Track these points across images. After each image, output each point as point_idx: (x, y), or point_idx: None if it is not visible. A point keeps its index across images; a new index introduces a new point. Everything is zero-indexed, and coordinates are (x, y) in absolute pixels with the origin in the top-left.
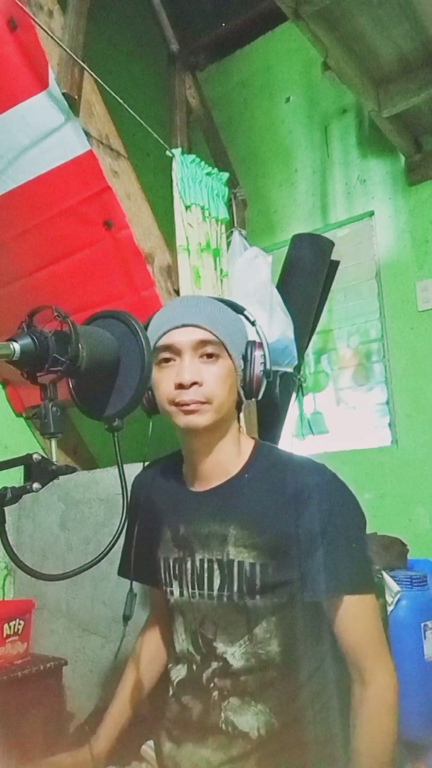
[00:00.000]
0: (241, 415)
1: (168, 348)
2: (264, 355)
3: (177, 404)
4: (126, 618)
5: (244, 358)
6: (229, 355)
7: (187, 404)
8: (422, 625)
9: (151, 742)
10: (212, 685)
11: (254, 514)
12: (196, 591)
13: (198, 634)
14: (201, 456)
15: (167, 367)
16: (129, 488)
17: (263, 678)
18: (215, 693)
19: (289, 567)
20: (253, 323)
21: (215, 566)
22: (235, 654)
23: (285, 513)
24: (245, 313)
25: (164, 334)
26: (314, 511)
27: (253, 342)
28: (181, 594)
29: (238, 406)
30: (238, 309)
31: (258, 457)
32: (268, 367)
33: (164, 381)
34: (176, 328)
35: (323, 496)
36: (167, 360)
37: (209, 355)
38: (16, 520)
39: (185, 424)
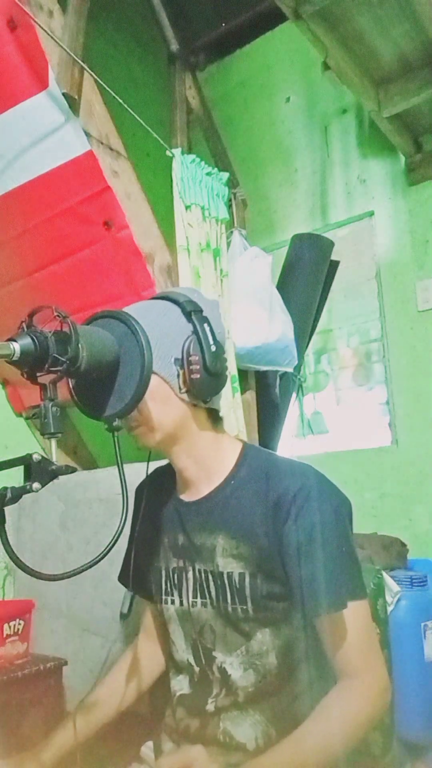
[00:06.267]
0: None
1: None
2: (202, 355)
3: (128, 429)
4: (123, 616)
5: (179, 361)
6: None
7: (133, 428)
8: (422, 625)
9: (150, 743)
10: (212, 694)
11: (240, 524)
12: (198, 600)
13: (198, 643)
14: (179, 464)
15: None
16: (129, 488)
17: (261, 688)
18: (214, 703)
19: (278, 578)
20: (190, 314)
21: (210, 577)
22: (233, 664)
23: (268, 522)
24: (182, 302)
25: None
26: (297, 520)
27: (189, 342)
28: (181, 603)
29: (211, 410)
30: (175, 300)
31: (244, 462)
32: (208, 364)
33: None
34: None
35: (304, 503)
36: None
37: None
38: (16, 520)
39: (140, 445)
